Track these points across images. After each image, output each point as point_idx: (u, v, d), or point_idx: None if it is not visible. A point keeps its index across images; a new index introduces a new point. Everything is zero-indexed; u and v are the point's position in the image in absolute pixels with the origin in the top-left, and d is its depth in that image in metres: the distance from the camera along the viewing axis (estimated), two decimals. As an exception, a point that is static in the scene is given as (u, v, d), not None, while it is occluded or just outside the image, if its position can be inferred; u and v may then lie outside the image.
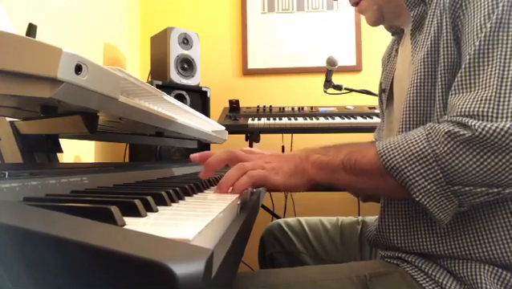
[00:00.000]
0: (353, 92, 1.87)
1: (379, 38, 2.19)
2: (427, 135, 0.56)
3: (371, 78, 2.16)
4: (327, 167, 0.62)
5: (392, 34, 0.89)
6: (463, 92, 0.57)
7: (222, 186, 0.60)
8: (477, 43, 0.56)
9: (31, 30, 0.54)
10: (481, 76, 0.55)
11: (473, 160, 0.51)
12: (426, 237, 0.63)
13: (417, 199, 0.55)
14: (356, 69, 2.25)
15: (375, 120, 1.74)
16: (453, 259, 0.61)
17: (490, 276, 0.58)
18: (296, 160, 0.64)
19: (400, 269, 0.65)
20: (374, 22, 0.81)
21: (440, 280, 0.60)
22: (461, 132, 0.52)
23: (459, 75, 0.58)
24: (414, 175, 0.55)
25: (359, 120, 1.75)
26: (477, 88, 0.55)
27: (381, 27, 0.90)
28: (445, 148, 0.53)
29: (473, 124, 0.51)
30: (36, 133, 0.71)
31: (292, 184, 0.63)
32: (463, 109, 0.54)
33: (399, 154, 0.56)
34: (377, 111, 1.85)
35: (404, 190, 0.56)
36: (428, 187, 0.54)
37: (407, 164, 0.55)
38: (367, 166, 0.59)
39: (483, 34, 0.55)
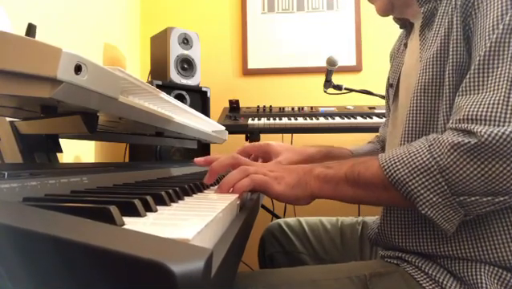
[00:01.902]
0: (353, 92, 1.87)
1: (379, 38, 2.20)
2: (429, 146, 0.55)
3: (371, 78, 2.16)
4: (330, 180, 0.62)
5: (400, 27, 0.88)
6: (471, 94, 0.55)
7: (223, 186, 0.60)
8: (488, 45, 0.54)
9: (31, 30, 0.54)
10: (490, 79, 0.54)
11: (478, 169, 0.50)
12: (427, 237, 0.63)
13: (423, 212, 0.55)
14: (356, 69, 2.25)
15: (375, 120, 1.74)
16: (453, 259, 0.61)
17: (491, 277, 0.58)
18: (299, 172, 0.63)
19: (400, 269, 0.64)
20: (383, 12, 0.79)
21: (441, 280, 0.60)
22: (466, 141, 0.51)
23: (468, 76, 0.56)
24: (419, 188, 0.54)
25: (359, 120, 1.75)
26: (485, 91, 0.54)
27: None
28: (449, 160, 0.52)
29: (478, 130, 0.50)
30: (36, 133, 0.71)
31: (293, 195, 0.62)
32: (469, 112, 0.53)
33: (402, 167, 0.55)
34: (377, 111, 1.86)
35: (409, 202, 0.56)
36: (434, 199, 0.54)
37: (411, 178, 0.54)
38: (370, 179, 0.59)
39: (495, 36, 0.54)
